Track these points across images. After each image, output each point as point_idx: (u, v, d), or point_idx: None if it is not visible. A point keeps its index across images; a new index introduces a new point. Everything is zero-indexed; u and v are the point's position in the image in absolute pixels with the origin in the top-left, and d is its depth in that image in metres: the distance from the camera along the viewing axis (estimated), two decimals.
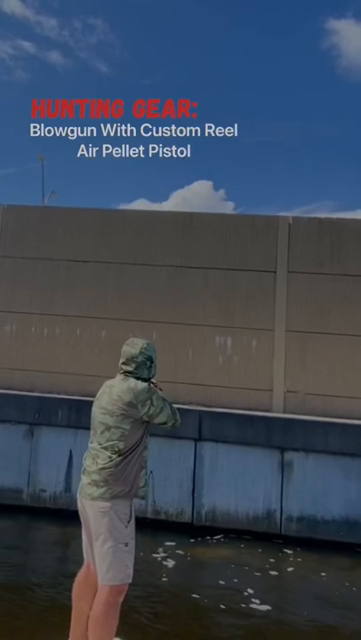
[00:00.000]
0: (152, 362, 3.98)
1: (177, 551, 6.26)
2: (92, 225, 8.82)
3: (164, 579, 5.58)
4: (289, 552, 6.39)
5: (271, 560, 6.15)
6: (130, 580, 3.65)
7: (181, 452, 7.12)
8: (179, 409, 6.54)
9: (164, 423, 3.90)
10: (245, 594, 5.27)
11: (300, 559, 6.25)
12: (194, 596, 5.22)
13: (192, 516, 7.02)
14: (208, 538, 6.73)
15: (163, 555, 6.14)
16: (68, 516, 5.62)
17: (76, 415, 7.21)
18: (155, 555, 6.12)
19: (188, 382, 8.18)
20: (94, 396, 4.07)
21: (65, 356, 8.49)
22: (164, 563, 5.94)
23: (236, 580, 5.61)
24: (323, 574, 5.89)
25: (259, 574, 5.81)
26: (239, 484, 6.95)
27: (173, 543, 6.46)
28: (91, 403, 4.00)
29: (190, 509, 7.01)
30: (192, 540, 6.62)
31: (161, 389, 4.18)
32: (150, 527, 6.86)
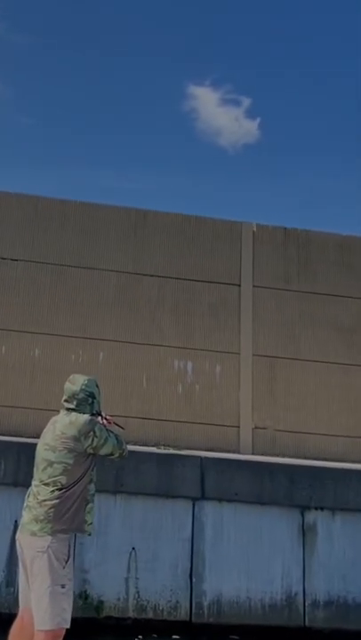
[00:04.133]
0: (94, 398, 3.97)
1: None
2: (25, 215, 7.04)
3: None
4: None
5: None
6: (67, 625, 3.57)
7: (175, 517, 5.55)
8: (174, 455, 5.61)
9: (111, 454, 3.91)
10: None
11: None
12: None
13: (190, 611, 5.36)
14: None
15: None
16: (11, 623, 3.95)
17: (28, 467, 5.29)
18: None
19: (142, 416, 6.77)
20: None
21: None
22: None
23: None
24: None
25: None
26: (251, 560, 5.52)
27: None
28: None
29: (188, 601, 5.35)
30: None
31: (123, 428, 4.23)
32: (133, 630, 5.20)
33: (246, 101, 21.97)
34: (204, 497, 5.62)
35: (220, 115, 22.35)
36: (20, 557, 3.77)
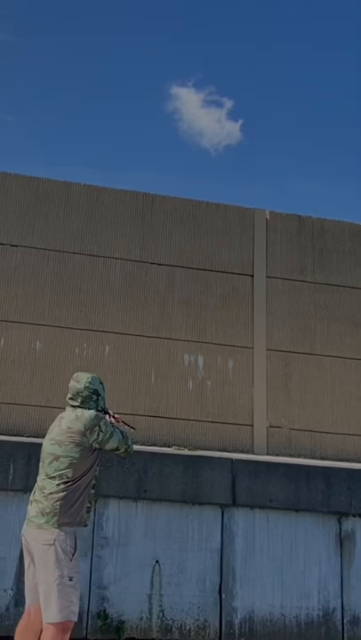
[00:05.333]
0: (98, 395, 4.05)
1: None
2: (24, 198, 6.54)
3: None
4: None
5: None
6: (75, 618, 3.61)
7: (202, 525, 5.08)
8: (202, 457, 5.29)
9: (117, 449, 3.97)
10: None
11: None
12: None
13: (220, 630, 4.89)
14: None
15: None
16: None
17: (37, 470, 4.81)
18: None
19: (151, 414, 6.33)
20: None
21: None
22: None
23: None
24: None
25: None
26: (285, 573, 5.09)
27: None
28: None
29: (217, 619, 4.88)
30: None
31: (133, 428, 4.36)
32: None
33: (229, 103, 21.60)
34: (235, 503, 5.15)
35: (203, 116, 21.98)
36: (25, 552, 3.79)
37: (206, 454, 5.40)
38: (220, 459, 5.26)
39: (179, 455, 5.16)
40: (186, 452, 5.55)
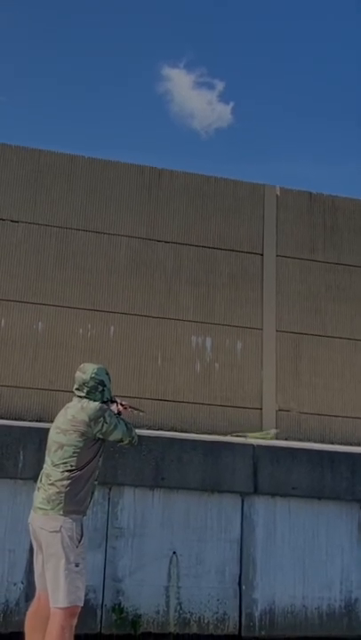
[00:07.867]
0: (104, 386, 4.09)
1: None
2: (25, 171, 6.24)
3: None
4: None
5: None
6: (81, 603, 3.68)
7: (221, 514, 4.88)
8: (222, 443, 5.14)
9: (121, 440, 4.03)
10: None
11: None
12: None
13: (240, 623, 4.69)
14: None
15: None
16: None
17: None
18: None
19: (157, 397, 6.12)
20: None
21: None
22: None
23: None
24: None
25: None
26: (307, 563, 4.92)
27: None
28: None
29: (237, 612, 4.69)
30: None
31: (142, 411, 4.49)
32: None
33: (220, 85, 21.08)
34: (256, 491, 4.95)
35: (193, 98, 21.44)
36: (33, 540, 3.84)
37: (227, 439, 5.21)
38: (241, 444, 5.07)
39: (198, 441, 4.96)
40: (207, 436, 5.34)
